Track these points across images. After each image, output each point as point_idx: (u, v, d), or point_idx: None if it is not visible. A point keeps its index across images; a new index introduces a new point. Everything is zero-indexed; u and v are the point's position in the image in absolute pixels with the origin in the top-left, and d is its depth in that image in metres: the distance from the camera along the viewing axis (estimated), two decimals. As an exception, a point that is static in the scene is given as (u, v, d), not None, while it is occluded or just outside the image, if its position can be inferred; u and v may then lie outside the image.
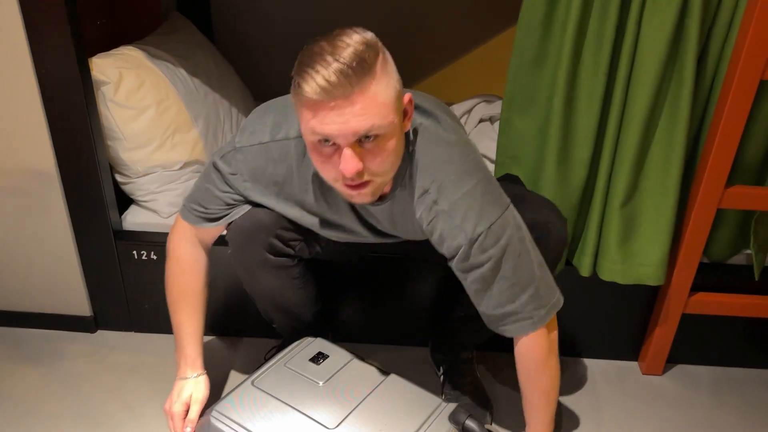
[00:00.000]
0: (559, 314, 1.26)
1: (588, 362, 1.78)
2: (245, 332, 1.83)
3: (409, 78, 2.42)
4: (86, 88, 1.54)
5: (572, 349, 1.78)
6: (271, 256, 1.35)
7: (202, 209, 1.35)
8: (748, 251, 1.67)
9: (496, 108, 2.18)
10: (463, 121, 2.21)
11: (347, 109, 1.00)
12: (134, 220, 1.75)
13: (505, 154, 1.61)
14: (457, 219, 1.16)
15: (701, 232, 1.54)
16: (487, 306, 1.23)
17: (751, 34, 1.31)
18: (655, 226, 1.53)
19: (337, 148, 1.05)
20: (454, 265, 1.21)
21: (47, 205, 1.66)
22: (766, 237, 1.60)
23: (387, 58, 1.06)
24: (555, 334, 1.28)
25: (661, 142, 1.45)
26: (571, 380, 1.72)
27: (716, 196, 1.49)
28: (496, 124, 2.14)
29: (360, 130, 1.02)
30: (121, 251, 1.71)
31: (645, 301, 1.70)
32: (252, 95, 2.27)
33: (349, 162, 1.04)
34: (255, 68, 2.46)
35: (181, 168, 1.77)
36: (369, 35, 1.04)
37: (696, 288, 1.63)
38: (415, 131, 1.20)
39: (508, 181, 1.54)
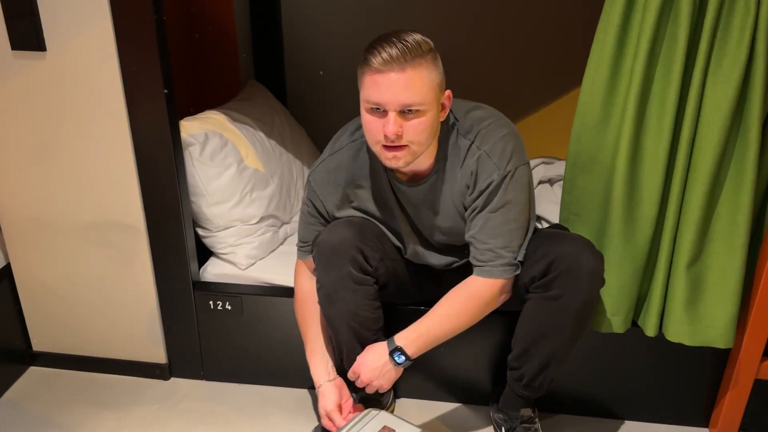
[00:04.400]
0: (625, 375, 1.27)
1: (657, 427, 1.74)
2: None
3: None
4: (176, 148, 1.67)
5: (640, 413, 1.75)
6: (354, 271, 1.47)
7: (306, 244, 1.58)
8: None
9: (555, 170, 2.23)
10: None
11: (400, 81, 1.27)
12: (213, 271, 1.85)
13: (568, 210, 1.64)
14: (495, 157, 1.40)
15: (772, 295, 1.52)
16: (478, 234, 1.43)
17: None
18: (723, 288, 1.52)
19: (385, 114, 1.31)
20: (476, 198, 1.42)
21: (133, 256, 1.77)
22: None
23: (438, 57, 1.33)
24: (504, 294, 1.47)
25: (727, 202, 1.47)
26: (638, 445, 1.69)
27: (786, 258, 1.48)
28: (556, 186, 2.18)
29: (407, 102, 1.29)
30: (198, 301, 1.81)
31: (715, 364, 1.66)
32: (321, 157, 2.38)
33: (393, 124, 1.30)
34: (324, 131, 2.58)
35: (257, 222, 1.88)
36: (424, 36, 1.32)
37: (769, 352, 1.60)
38: (456, 120, 1.46)
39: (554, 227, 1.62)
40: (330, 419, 1.55)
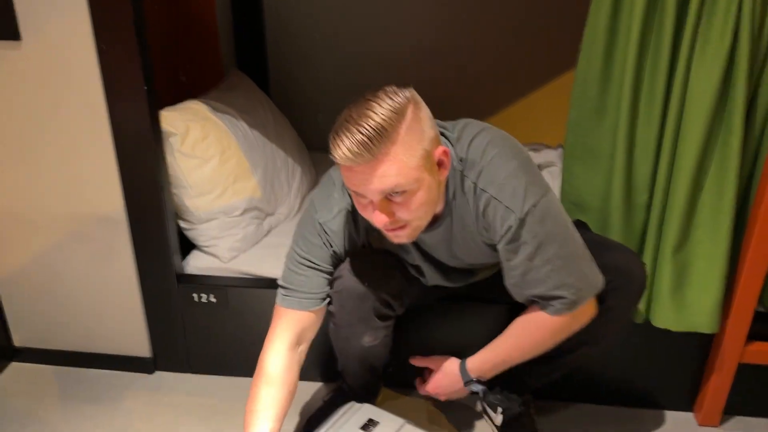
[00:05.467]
0: (610, 361, 1.27)
1: (642, 412, 1.76)
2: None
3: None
4: (156, 139, 1.64)
5: (625, 398, 1.76)
6: (378, 320, 1.42)
7: (304, 293, 1.37)
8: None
9: (544, 156, 2.23)
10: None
11: (370, 173, 1.13)
12: (196, 264, 1.83)
13: (568, 200, 1.64)
14: (506, 200, 1.22)
15: (755, 280, 1.53)
16: (528, 289, 1.28)
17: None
18: (708, 274, 1.53)
19: (371, 200, 1.17)
20: (501, 247, 1.27)
21: (115, 249, 1.75)
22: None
23: (419, 116, 1.15)
24: (585, 315, 1.32)
25: (711, 189, 1.47)
26: (625, 430, 1.70)
27: (770, 243, 1.49)
28: (545, 172, 2.18)
29: (384, 189, 1.14)
30: (182, 294, 1.79)
31: (700, 350, 1.68)
32: (306, 146, 2.36)
33: (378, 216, 1.18)
34: (308, 121, 2.56)
35: (241, 214, 1.86)
36: (399, 98, 1.13)
37: (753, 337, 1.61)
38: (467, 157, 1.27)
39: (580, 227, 1.59)
40: None
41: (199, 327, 1.83)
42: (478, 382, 1.47)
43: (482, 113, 2.60)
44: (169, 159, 1.75)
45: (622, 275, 1.35)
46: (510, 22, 2.46)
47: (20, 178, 1.68)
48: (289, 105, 2.55)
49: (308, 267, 1.36)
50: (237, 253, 1.84)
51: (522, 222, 1.21)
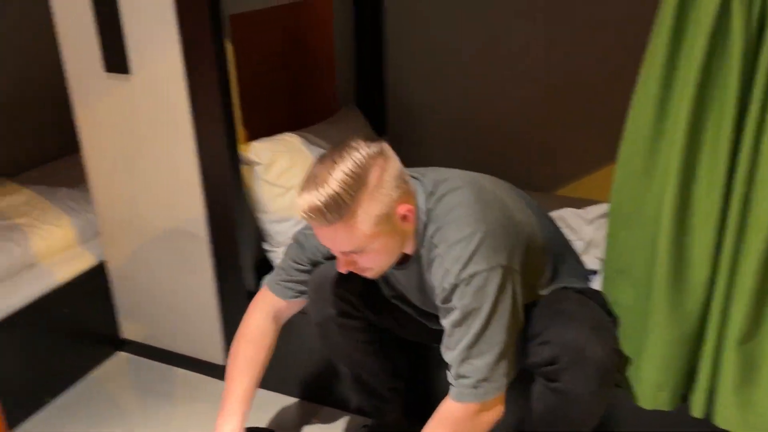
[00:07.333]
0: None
1: None
2: (331, 402, 1.92)
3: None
4: (234, 166, 1.79)
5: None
6: (336, 315, 1.46)
7: (290, 280, 1.51)
8: None
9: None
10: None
11: (325, 234, 1.19)
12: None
13: (611, 267, 1.50)
14: (448, 262, 1.20)
15: None
16: (446, 353, 1.25)
17: None
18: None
19: None
20: (437, 303, 1.26)
21: (197, 262, 1.93)
22: None
23: (383, 179, 1.16)
24: (487, 415, 1.24)
25: (788, 274, 1.25)
26: None
27: None
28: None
29: (338, 250, 1.21)
30: (250, 311, 1.91)
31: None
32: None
33: (340, 266, 1.25)
34: (424, 162, 2.60)
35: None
36: (364, 160, 1.15)
37: None
38: (442, 197, 1.25)
39: (593, 299, 1.45)
40: None
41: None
42: None
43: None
44: (255, 185, 1.90)
45: (570, 353, 1.23)
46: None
47: (127, 190, 1.93)
48: (404, 141, 2.62)
49: (297, 265, 1.49)
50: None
51: (455, 287, 1.19)
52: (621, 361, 1.35)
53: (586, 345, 1.24)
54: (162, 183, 1.87)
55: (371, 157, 1.16)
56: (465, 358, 1.21)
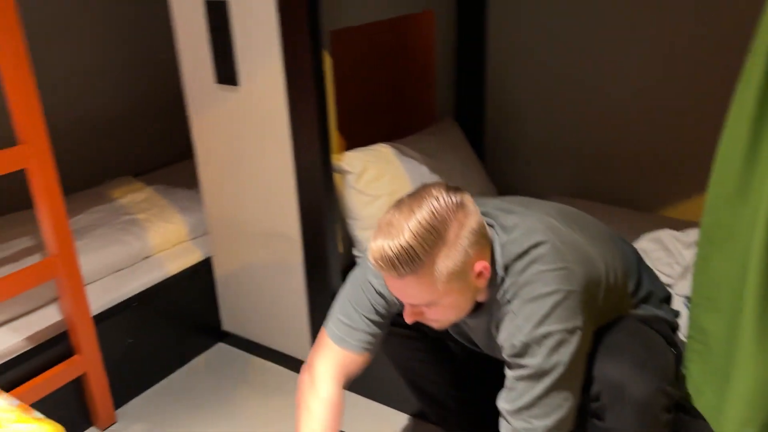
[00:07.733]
0: None
1: None
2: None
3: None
4: (327, 174, 1.88)
5: None
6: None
7: (357, 331, 1.37)
8: None
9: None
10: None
11: (395, 285, 1.13)
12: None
13: (700, 294, 1.43)
14: (520, 319, 1.16)
15: None
16: (503, 404, 1.20)
17: None
18: None
19: None
20: (504, 355, 1.21)
21: (290, 263, 2.04)
22: None
23: (460, 235, 1.10)
24: None
25: None
26: None
27: None
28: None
29: (412, 303, 1.16)
30: (336, 313, 2.00)
31: None
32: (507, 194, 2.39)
33: (408, 316, 1.19)
34: (521, 176, 2.60)
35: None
36: (444, 213, 1.08)
37: None
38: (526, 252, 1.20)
39: (657, 328, 1.39)
40: None
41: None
42: None
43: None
44: (346, 193, 1.99)
45: (610, 390, 1.17)
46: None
47: (232, 193, 2.08)
48: (500, 156, 2.62)
49: (360, 314, 1.37)
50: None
51: (526, 345, 1.15)
52: (670, 400, 1.25)
53: (627, 382, 1.19)
54: (262, 187, 2.00)
55: (451, 210, 1.10)
56: (525, 416, 1.17)
